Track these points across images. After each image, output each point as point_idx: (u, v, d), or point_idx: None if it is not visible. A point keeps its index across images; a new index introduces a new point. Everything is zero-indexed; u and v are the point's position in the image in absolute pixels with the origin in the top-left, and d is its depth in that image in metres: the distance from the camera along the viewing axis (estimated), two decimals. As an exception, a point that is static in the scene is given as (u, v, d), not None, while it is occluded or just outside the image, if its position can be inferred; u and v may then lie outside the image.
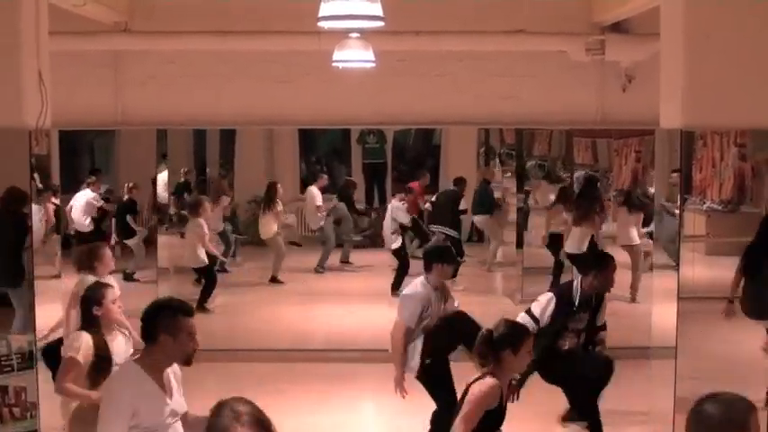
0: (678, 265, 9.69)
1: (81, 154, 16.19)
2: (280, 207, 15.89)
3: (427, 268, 8.97)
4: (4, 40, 8.19)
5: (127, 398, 5.74)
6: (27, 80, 8.30)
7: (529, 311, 9.20)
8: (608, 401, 10.55)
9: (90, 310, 7.44)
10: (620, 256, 14.47)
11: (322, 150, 18.49)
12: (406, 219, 15.46)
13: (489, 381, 6.49)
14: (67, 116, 10.61)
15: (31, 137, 8.42)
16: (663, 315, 9.88)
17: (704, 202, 11.83)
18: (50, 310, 8.82)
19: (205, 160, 16.65)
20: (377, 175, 17.05)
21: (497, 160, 16.62)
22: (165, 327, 5.79)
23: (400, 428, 9.05)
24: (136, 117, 13.57)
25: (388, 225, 15.62)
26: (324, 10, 6.67)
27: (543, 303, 9.29)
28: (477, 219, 16.17)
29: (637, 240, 14.54)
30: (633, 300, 14.38)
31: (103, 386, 6.45)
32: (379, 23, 6.90)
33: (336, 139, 18.00)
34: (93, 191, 14.94)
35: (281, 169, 16.38)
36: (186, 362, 5.94)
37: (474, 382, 6.57)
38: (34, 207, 8.65)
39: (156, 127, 14.12)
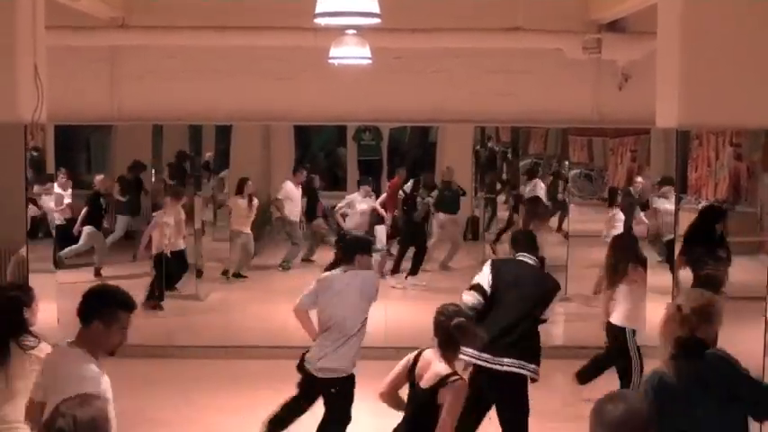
0: (673, 264, 9.72)
1: (77, 149, 16.18)
2: (254, 203, 15.90)
3: (349, 260, 8.83)
4: (0, 34, 8.19)
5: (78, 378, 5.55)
6: (23, 74, 8.30)
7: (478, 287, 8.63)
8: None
9: (21, 312, 6.74)
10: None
11: (318, 147, 18.49)
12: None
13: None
14: (64, 111, 10.63)
15: (27, 131, 8.42)
16: (659, 314, 9.90)
17: (699, 202, 11.84)
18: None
19: (201, 156, 16.59)
20: (372, 172, 17.04)
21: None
22: (101, 314, 5.69)
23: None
24: (132, 112, 13.56)
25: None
26: (320, 6, 6.66)
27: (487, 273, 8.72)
28: (440, 217, 16.18)
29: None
30: None
31: (45, 366, 6.00)
32: (376, 20, 6.90)
33: (332, 135, 18.00)
34: (61, 187, 14.76)
35: (277, 165, 16.37)
36: (110, 353, 5.80)
37: None
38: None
39: (153, 122, 14.11)
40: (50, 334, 9.27)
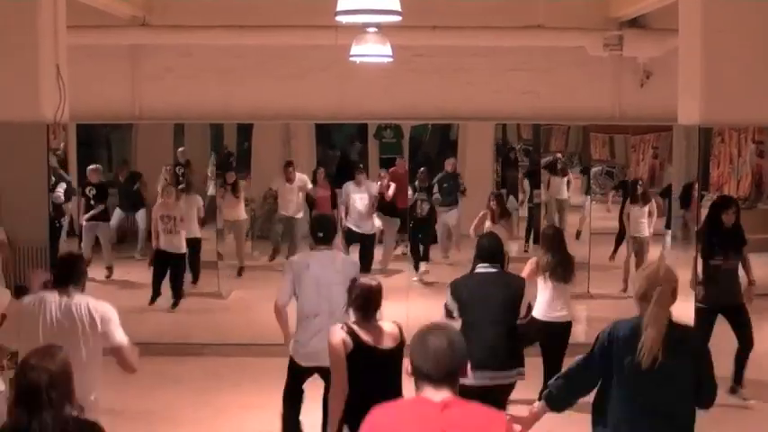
0: (696, 262, 9.70)
1: (98, 147, 16.24)
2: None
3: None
4: (23, 34, 8.23)
5: None
6: (45, 74, 8.34)
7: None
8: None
9: None
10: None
11: (338, 145, 18.50)
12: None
13: None
14: (85, 110, 10.65)
15: (49, 130, 8.46)
16: (677, 311, 9.85)
17: (721, 199, 11.80)
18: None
19: (222, 154, 16.63)
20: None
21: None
22: None
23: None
24: (153, 111, 13.59)
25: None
26: (342, 4, 6.66)
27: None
28: (446, 213, 15.99)
29: (646, 233, 14.52)
30: None
31: None
32: (397, 18, 6.89)
33: (353, 133, 18.01)
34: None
35: (298, 164, 16.36)
36: None
37: None
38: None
39: (174, 121, 14.15)
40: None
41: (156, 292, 14.33)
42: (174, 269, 14.45)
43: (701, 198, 9.69)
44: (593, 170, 15.53)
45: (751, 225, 10.57)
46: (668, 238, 14.43)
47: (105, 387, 6.81)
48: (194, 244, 14.83)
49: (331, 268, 8.62)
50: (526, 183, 16.27)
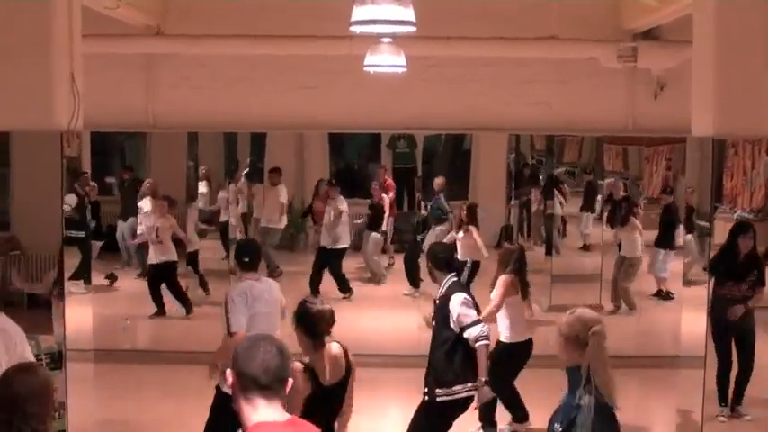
0: (708, 272, 9.66)
1: (112, 156, 16.28)
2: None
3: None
4: (37, 42, 8.25)
5: None
6: (59, 82, 8.35)
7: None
8: (633, 413, 10.46)
9: None
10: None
11: (351, 155, 18.51)
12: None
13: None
14: (99, 118, 10.67)
15: (63, 138, 8.48)
16: (692, 323, 9.82)
17: (734, 211, 11.78)
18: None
19: (237, 164, 16.66)
20: (406, 180, 17.02)
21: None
22: None
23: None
24: (168, 120, 13.63)
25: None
26: (356, 15, 6.68)
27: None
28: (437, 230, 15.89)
29: (638, 252, 14.53)
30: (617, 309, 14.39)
31: None
32: (411, 29, 6.90)
33: (366, 143, 18.02)
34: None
35: (311, 173, 16.39)
36: None
37: None
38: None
39: (187, 130, 14.18)
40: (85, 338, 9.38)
41: (158, 305, 14.42)
42: (165, 280, 14.57)
43: (715, 210, 9.64)
44: (607, 181, 15.51)
45: (763, 237, 10.53)
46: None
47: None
48: (192, 256, 14.99)
49: (269, 295, 8.66)
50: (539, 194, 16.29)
